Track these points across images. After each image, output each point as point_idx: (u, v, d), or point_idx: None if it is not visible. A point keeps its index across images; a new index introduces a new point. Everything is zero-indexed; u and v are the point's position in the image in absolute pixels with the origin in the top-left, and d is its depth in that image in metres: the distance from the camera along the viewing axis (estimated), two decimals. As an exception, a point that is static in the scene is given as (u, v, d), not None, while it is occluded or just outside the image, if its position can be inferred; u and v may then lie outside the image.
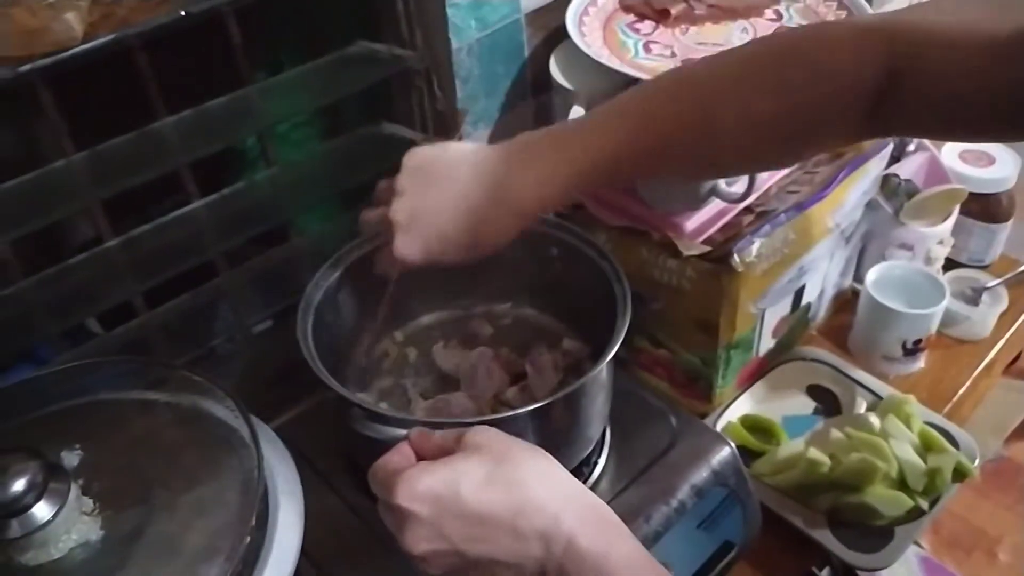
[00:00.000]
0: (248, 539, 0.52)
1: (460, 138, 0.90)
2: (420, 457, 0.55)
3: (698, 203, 0.80)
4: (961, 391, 0.98)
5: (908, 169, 1.03)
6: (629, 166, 0.62)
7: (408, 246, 0.64)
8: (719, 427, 0.89)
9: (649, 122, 0.60)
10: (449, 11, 0.80)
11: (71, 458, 0.56)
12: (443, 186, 0.63)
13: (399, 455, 0.55)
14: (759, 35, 0.83)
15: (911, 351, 0.97)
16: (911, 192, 1.00)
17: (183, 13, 0.68)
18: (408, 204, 0.64)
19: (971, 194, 1.03)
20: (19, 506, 0.49)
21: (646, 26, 0.84)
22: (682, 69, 0.64)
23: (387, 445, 0.57)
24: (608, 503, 0.70)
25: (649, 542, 0.69)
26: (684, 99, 0.60)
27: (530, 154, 0.62)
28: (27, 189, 0.71)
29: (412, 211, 0.63)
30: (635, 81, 0.75)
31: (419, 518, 0.50)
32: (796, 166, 0.86)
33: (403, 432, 0.59)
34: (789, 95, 0.57)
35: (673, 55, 0.80)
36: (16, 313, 0.73)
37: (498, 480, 0.50)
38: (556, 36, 0.90)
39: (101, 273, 0.76)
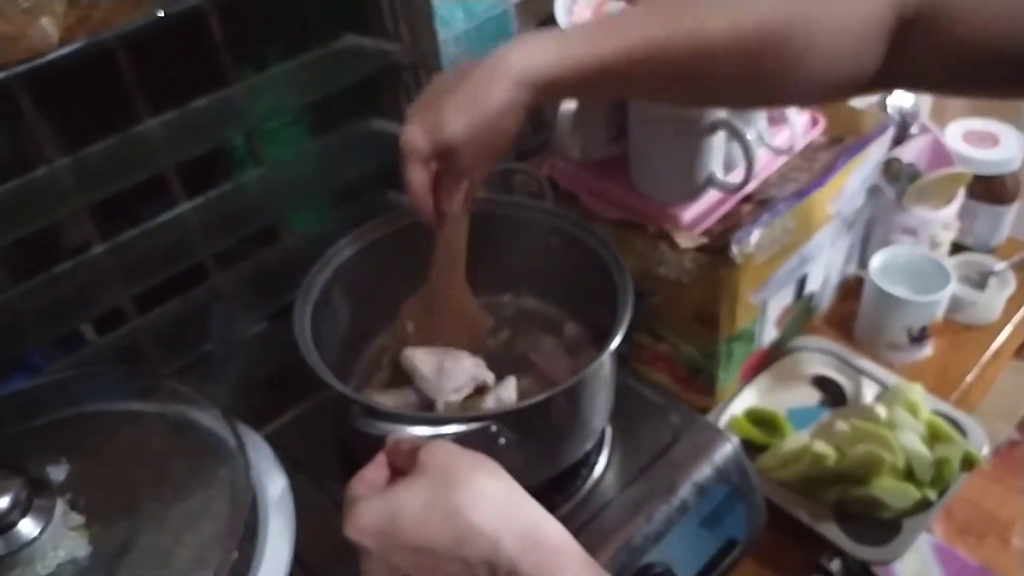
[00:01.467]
0: (237, 551, 0.52)
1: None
2: (393, 467, 0.55)
3: (695, 193, 0.78)
4: (969, 377, 0.97)
5: (910, 153, 1.01)
6: (631, 60, 0.58)
7: (408, 128, 0.60)
8: (723, 421, 0.88)
9: (655, 19, 0.58)
10: (435, 2, 0.79)
11: (57, 472, 0.56)
12: (447, 76, 0.61)
13: (372, 471, 0.54)
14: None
15: (917, 338, 0.95)
16: (914, 176, 0.98)
17: (161, 14, 0.67)
18: (419, 101, 0.61)
19: (976, 176, 1.02)
20: (3, 523, 0.49)
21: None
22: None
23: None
24: (609, 502, 0.70)
25: (651, 542, 0.68)
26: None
27: (550, 33, 0.60)
28: (12, 196, 0.70)
29: (419, 103, 0.61)
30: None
31: (367, 552, 0.50)
32: (796, 152, 0.84)
33: (403, 429, 0.58)
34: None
35: (666, 42, 0.78)
36: (6, 322, 0.72)
37: (436, 509, 0.49)
38: (545, 25, 0.89)
39: (90, 279, 0.76)
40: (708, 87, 0.61)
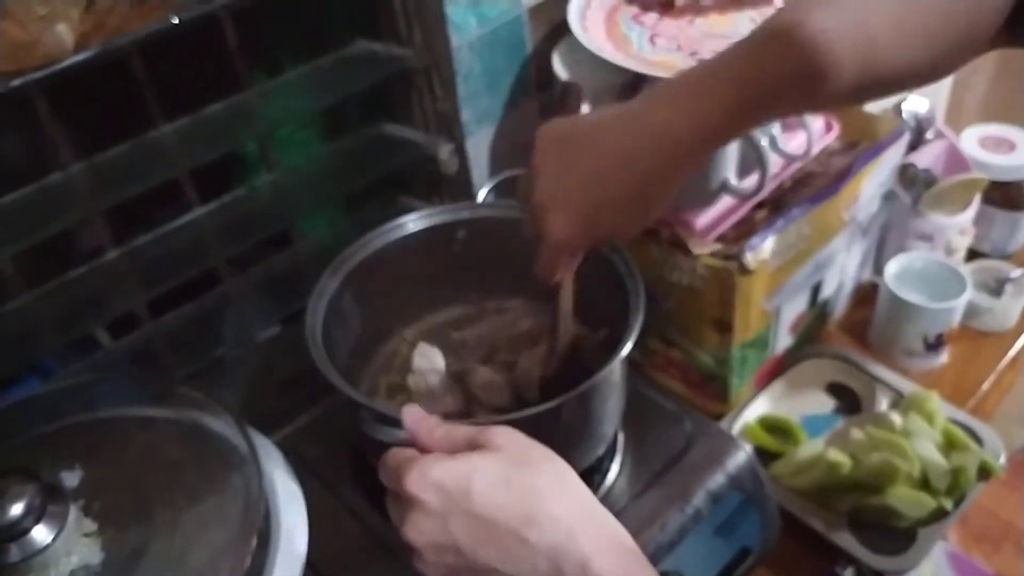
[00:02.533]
0: (250, 557, 0.52)
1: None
2: (424, 450, 0.52)
3: (708, 199, 0.78)
4: (986, 385, 0.96)
5: (926, 158, 1.00)
6: (784, 87, 0.53)
7: (565, 224, 0.57)
8: (736, 428, 0.88)
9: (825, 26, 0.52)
10: (448, 8, 0.79)
11: (71, 478, 0.56)
12: (590, 152, 0.56)
13: (413, 448, 0.52)
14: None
15: (933, 345, 0.95)
16: (930, 181, 0.98)
17: (176, 20, 0.67)
18: (553, 182, 0.57)
19: (992, 182, 1.01)
20: (17, 530, 0.48)
21: (650, 18, 0.81)
22: None
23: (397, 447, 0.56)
24: (622, 510, 0.70)
25: (665, 550, 0.68)
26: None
27: (678, 90, 0.55)
28: (28, 201, 0.71)
29: (559, 188, 0.57)
30: (639, 75, 0.73)
31: (425, 507, 0.47)
32: (811, 158, 0.84)
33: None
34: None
35: (679, 47, 0.78)
36: (20, 326, 0.72)
37: (515, 484, 0.47)
38: (559, 31, 0.89)
39: (104, 284, 0.76)
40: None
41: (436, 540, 0.47)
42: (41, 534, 0.49)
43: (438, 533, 0.47)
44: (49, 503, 0.50)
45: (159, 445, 0.60)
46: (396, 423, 0.60)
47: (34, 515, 0.49)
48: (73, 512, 0.52)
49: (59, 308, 0.74)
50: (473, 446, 0.50)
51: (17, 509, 0.48)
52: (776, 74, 0.52)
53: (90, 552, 0.52)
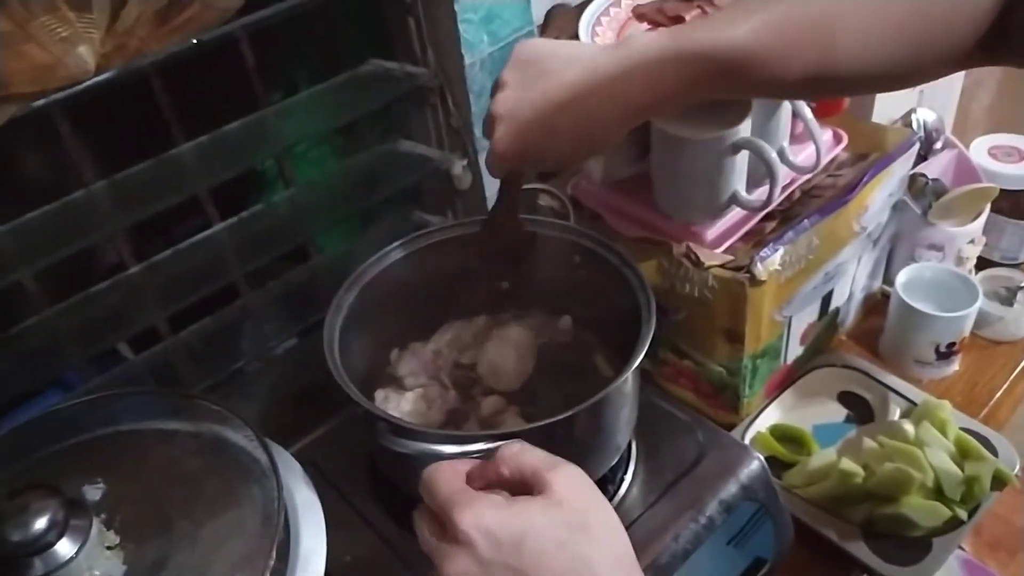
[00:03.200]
0: (270, 570, 0.52)
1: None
2: (483, 475, 0.51)
3: (718, 212, 0.78)
4: (998, 394, 0.96)
5: (936, 168, 1.01)
6: (749, 67, 0.56)
7: (506, 141, 0.60)
8: (748, 437, 0.88)
9: (773, 18, 0.56)
10: (461, 26, 0.80)
11: (93, 492, 0.56)
12: (552, 79, 0.59)
13: (462, 467, 0.51)
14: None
15: (945, 354, 0.95)
16: (939, 191, 0.98)
17: (195, 41, 0.68)
18: (512, 96, 0.60)
19: (1002, 191, 1.01)
20: (41, 544, 0.49)
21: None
22: None
23: (414, 459, 0.56)
24: (635, 520, 0.70)
25: (678, 561, 0.68)
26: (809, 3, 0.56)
27: (646, 49, 0.57)
28: (51, 219, 0.72)
29: (515, 103, 0.60)
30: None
31: (472, 550, 0.46)
32: (820, 169, 0.84)
33: (430, 447, 0.58)
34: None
35: (689, 62, 0.79)
36: (43, 341, 0.73)
37: (567, 550, 0.46)
38: (570, 47, 0.90)
39: (125, 299, 0.77)
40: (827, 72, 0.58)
41: None
42: (64, 548, 0.50)
43: None
44: (72, 517, 0.50)
45: (179, 458, 0.60)
46: (413, 435, 0.61)
47: (57, 529, 0.49)
48: (95, 526, 0.52)
49: (81, 323, 0.75)
50: (537, 482, 0.49)
51: (41, 523, 0.48)
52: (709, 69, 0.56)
53: (112, 565, 0.52)
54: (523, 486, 0.49)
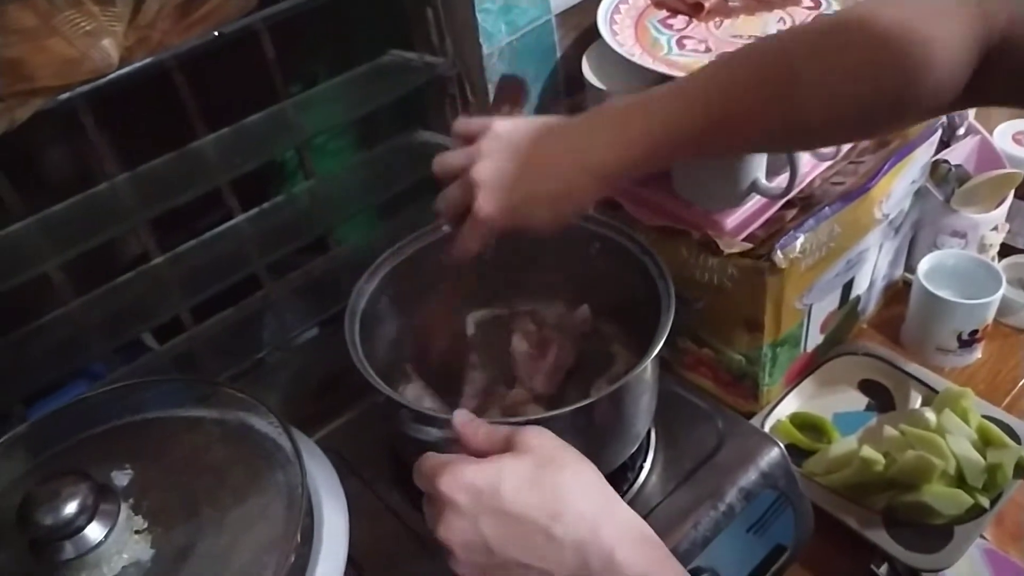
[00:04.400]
0: (294, 554, 0.53)
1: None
2: (467, 451, 0.55)
3: (738, 200, 0.78)
4: (1022, 382, 0.95)
5: (959, 155, 1.00)
6: (712, 135, 0.59)
7: (492, 204, 0.62)
8: (768, 425, 0.88)
9: (733, 88, 0.58)
10: (479, 16, 0.80)
11: (121, 478, 0.57)
12: (528, 151, 0.62)
13: (445, 454, 0.54)
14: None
15: (967, 342, 0.94)
16: (962, 178, 0.97)
17: (216, 33, 0.69)
18: (493, 165, 0.62)
19: (1026, 177, 1.00)
20: (72, 528, 0.50)
21: (679, 21, 0.82)
22: (762, 42, 0.62)
23: (435, 446, 0.57)
24: (655, 508, 0.71)
25: (698, 548, 0.68)
26: (768, 65, 0.58)
27: (612, 120, 0.61)
28: (76, 211, 0.73)
29: (498, 171, 0.62)
30: (668, 79, 0.73)
31: (457, 508, 0.49)
32: (841, 156, 0.84)
33: (452, 434, 0.59)
34: (876, 80, 0.55)
35: (708, 50, 0.78)
36: (69, 332, 0.75)
37: (541, 483, 0.49)
38: (588, 36, 0.89)
39: (149, 290, 0.78)
40: (795, 131, 0.60)
41: (468, 539, 0.49)
42: (94, 532, 0.51)
43: (469, 532, 0.49)
44: (101, 502, 0.51)
45: (205, 445, 0.61)
46: (433, 422, 0.61)
47: (87, 514, 0.50)
48: (124, 510, 0.53)
49: (106, 314, 0.76)
50: (509, 446, 0.52)
51: (71, 508, 0.49)
52: (689, 128, 0.59)
53: (140, 549, 0.53)
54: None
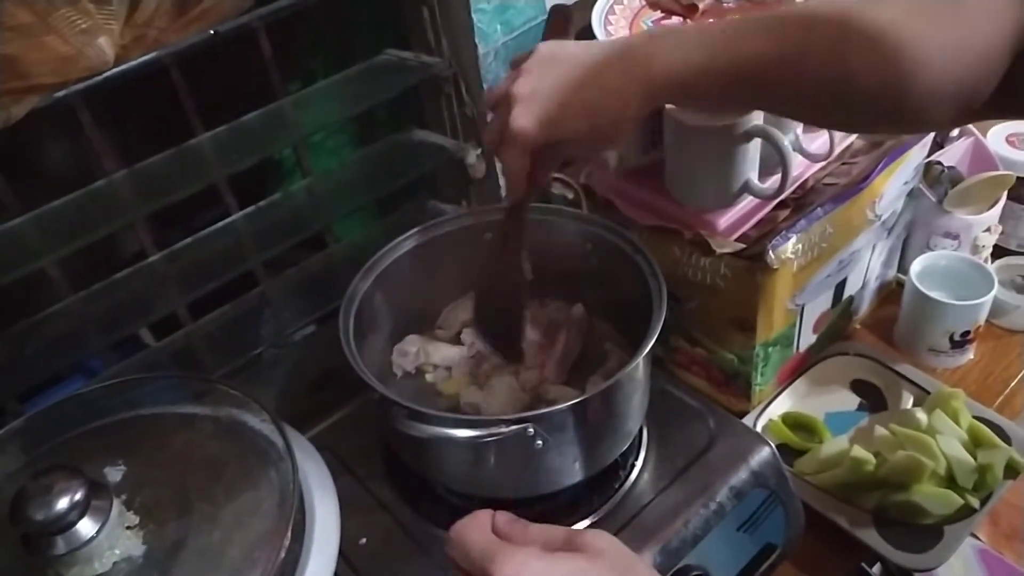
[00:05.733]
0: (285, 550, 0.53)
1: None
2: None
3: (731, 200, 0.79)
4: (1013, 383, 0.95)
5: (952, 156, 1.00)
6: (764, 74, 0.54)
7: (526, 115, 0.59)
8: (760, 425, 0.88)
9: (791, 29, 0.53)
10: (475, 16, 0.81)
11: (114, 473, 0.58)
12: (571, 62, 0.59)
13: (488, 527, 0.51)
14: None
15: (959, 343, 0.95)
16: (955, 179, 0.98)
17: (212, 32, 0.69)
18: (532, 80, 0.60)
19: (1019, 178, 1.00)
20: (64, 523, 0.50)
21: (673, 23, 0.83)
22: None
23: (428, 443, 0.57)
24: (646, 505, 0.71)
25: (688, 546, 0.68)
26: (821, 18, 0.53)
27: (674, 33, 0.58)
28: (73, 208, 0.73)
29: (535, 85, 0.60)
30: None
31: None
32: (834, 157, 0.84)
33: (445, 431, 0.59)
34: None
35: (703, 51, 0.79)
36: (66, 327, 0.75)
37: None
38: (583, 37, 0.89)
39: (146, 286, 0.78)
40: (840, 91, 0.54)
41: None
42: (86, 527, 0.51)
43: None
44: (93, 497, 0.52)
45: (198, 441, 0.62)
46: (428, 419, 0.62)
47: (79, 509, 0.50)
48: (116, 506, 0.53)
49: (103, 310, 0.76)
50: (570, 547, 0.48)
51: (63, 503, 0.50)
52: (754, 55, 0.54)
53: (132, 545, 0.53)
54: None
